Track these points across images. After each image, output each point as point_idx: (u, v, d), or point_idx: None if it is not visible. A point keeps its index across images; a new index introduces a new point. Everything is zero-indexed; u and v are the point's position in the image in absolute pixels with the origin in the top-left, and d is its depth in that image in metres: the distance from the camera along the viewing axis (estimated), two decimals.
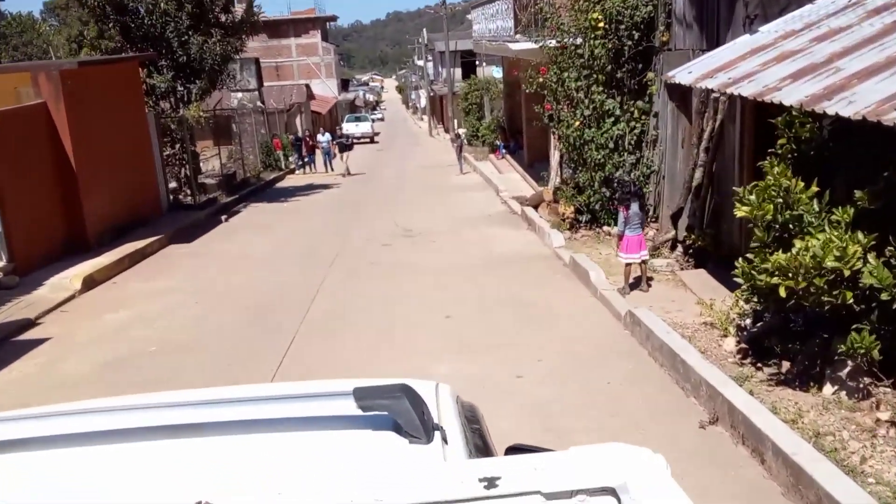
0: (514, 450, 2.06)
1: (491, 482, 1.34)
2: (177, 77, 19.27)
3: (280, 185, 25.99)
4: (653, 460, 1.43)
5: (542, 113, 13.43)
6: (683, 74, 8.32)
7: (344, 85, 68.84)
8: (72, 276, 11.48)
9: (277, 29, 56.46)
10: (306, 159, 29.72)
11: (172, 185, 19.90)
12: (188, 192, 20.20)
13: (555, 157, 17.46)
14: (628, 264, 8.91)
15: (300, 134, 31.83)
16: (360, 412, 1.77)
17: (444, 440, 1.82)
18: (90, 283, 11.56)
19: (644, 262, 8.98)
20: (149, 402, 2.18)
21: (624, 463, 1.40)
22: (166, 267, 12.98)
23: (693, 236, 9.90)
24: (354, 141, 50.42)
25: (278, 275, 11.86)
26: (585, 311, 8.82)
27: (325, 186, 24.21)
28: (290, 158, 30.10)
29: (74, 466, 1.76)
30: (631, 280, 9.05)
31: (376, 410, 1.78)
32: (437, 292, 10.12)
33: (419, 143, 45.78)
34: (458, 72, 50.30)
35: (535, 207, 15.03)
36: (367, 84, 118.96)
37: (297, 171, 29.33)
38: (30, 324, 9.78)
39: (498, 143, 25.68)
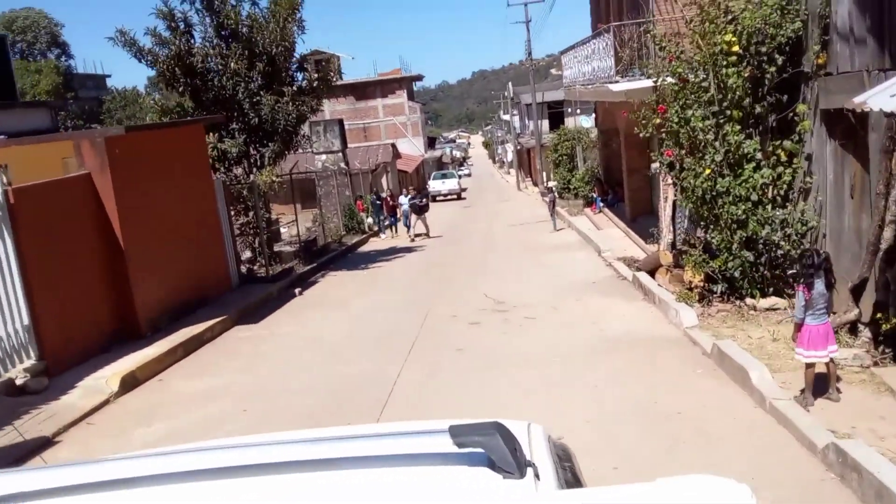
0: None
1: None
2: (249, 141, 17.94)
3: (362, 249, 24.31)
4: (739, 491, 1.40)
5: (660, 159, 11.04)
6: (884, 98, 5.85)
7: (430, 143, 68.06)
8: (109, 376, 9.72)
9: (364, 91, 56.26)
10: (387, 221, 27.77)
11: (247, 254, 18.45)
12: (263, 262, 18.70)
13: (665, 210, 14.98)
14: (811, 364, 6.34)
15: (381, 193, 29.91)
16: (455, 449, 1.82)
17: (537, 476, 1.84)
18: (130, 382, 9.76)
19: (832, 360, 6.40)
20: (252, 442, 2.28)
21: (710, 493, 1.40)
22: (222, 357, 11.12)
23: (888, 317, 7.24)
24: (437, 198, 49.95)
25: (347, 366, 9.79)
26: (754, 435, 6.21)
27: (409, 250, 22.34)
28: (370, 220, 28.38)
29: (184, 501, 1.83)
30: (813, 384, 6.46)
31: (471, 447, 1.82)
32: (538, 397, 7.76)
33: (507, 197, 43.78)
34: (546, 123, 48.37)
35: (651, 273, 12.54)
36: (454, 141, 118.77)
37: (380, 235, 27.46)
38: (46, 443, 7.96)
39: (593, 196, 23.30)
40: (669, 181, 15.27)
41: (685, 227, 15.16)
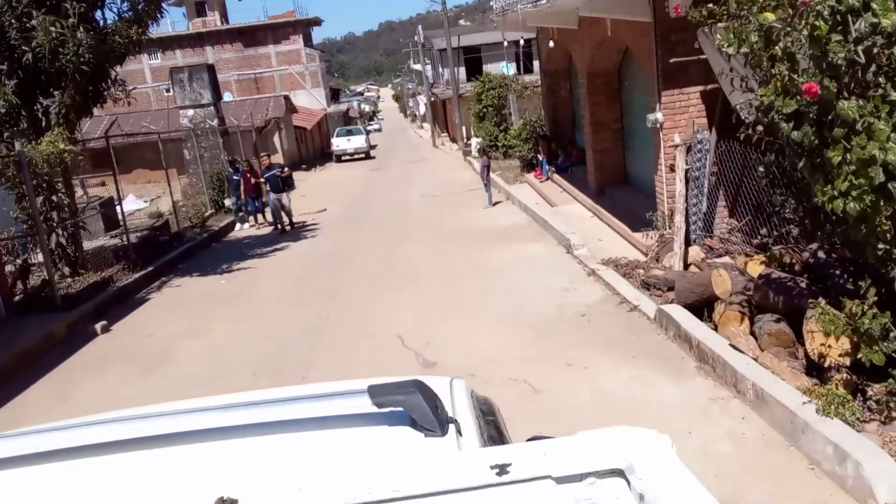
0: (533, 440, 1.68)
1: (502, 469, 1.32)
2: (23, 89, 11.25)
3: (233, 235, 17.89)
4: (659, 440, 1.40)
5: (754, 100, 5.20)
6: None
7: (334, 95, 60.79)
8: None
9: (253, 36, 48.48)
10: (251, 206, 18.59)
11: (39, 258, 11.90)
12: (68, 270, 12.20)
13: (675, 185, 9.51)
14: None
15: (238, 163, 18.96)
16: (375, 409, 1.76)
17: (459, 432, 1.80)
18: None
19: None
20: (166, 410, 2.18)
21: (631, 444, 1.38)
22: None
23: None
24: (342, 158, 42.47)
25: None
26: None
27: (295, 236, 16.14)
28: (228, 202, 19.69)
29: (90, 476, 1.75)
30: None
31: (391, 406, 1.76)
32: None
33: (423, 156, 37.67)
34: (462, 72, 42.28)
35: (698, 308, 6.94)
36: (362, 94, 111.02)
37: (240, 225, 18.46)
38: None
39: (539, 158, 17.56)
40: (678, 140, 9.68)
41: (702, 211, 9.67)
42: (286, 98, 37.59)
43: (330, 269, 12.33)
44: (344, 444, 1.78)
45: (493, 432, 2.02)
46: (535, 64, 45.21)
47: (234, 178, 18.34)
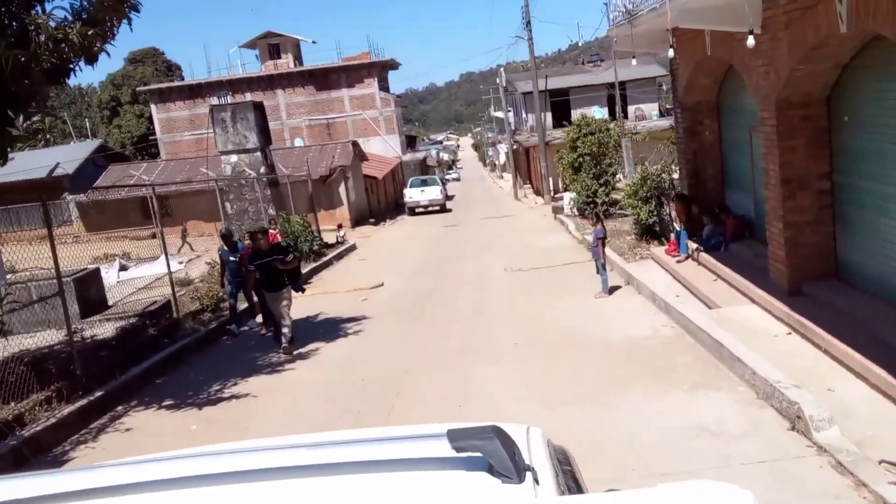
0: (612, 492, 1.73)
1: None
2: None
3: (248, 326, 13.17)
4: (740, 497, 1.35)
5: None
6: None
7: (410, 142, 56.91)
8: None
9: (326, 79, 45.10)
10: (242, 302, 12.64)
11: None
12: None
13: None
14: None
15: (233, 239, 12.48)
16: (453, 453, 1.72)
17: (536, 480, 1.77)
18: None
19: None
20: (244, 448, 2.14)
21: (713, 499, 1.33)
22: None
23: None
24: (416, 210, 35.19)
25: None
26: None
27: (329, 334, 11.29)
28: (224, 292, 12.75)
29: None
30: None
31: (469, 451, 1.72)
32: None
33: (504, 210, 32.76)
34: (549, 117, 37.45)
35: None
36: (441, 143, 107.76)
37: (234, 329, 12.10)
38: None
39: (676, 227, 12.26)
40: None
41: None
42: (355, 144, 33.51)
43: (357, 414, 7.39)
44: (422, 487, 1.74)
45: (571, 483, 1.97)
46: (633, 110, 39.96)
47: (231, 258, 11.77)
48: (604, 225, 11.62)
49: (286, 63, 45.88)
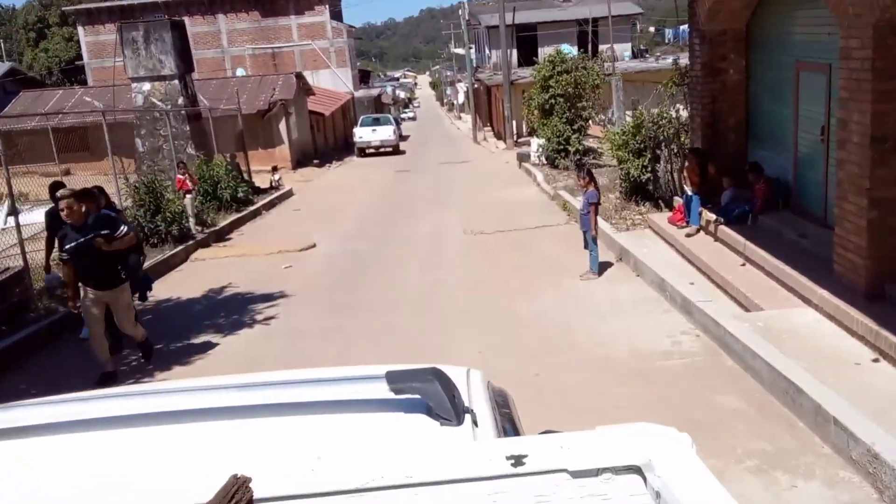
0: (547, 433, 1.62)
1: (518, 460, 1.27)
2: None
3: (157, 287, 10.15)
4: (678, 439, 1.33)
5: None
6: None
7: (364, 78, 52.96)
8: None
9: (274, 5, 40.79)
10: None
11: None
12: None
13: None
14: None
15: (58, 194, 6.78)
16: (391, 395, 1.69)
17: (475, 423, 1.74)
18: None
19: None
20: (181, 387, 2.13)
21: (649, 441, 1.31)
22: None
23: None
24: (366, 151, 31.26)
25: None
26: None
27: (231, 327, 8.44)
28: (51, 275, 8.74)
29: (103, 449, 1.71)
30: None
31: (408, 393, 1.69)
32: None
33: (463, 154, 29.79)
34: (514, 55, 34.20)
35: None
36: (398, 80, 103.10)
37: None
38: None
39: (686, 191, 9.48)
40: None
41: None
42: (299, 76, 29.83)
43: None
44: (359, 429, 1.72)
45: (508, 425, 1.95)
46: (605, 49, 36.95)
47: (62, 229, 6.75)
48: (597, 186, 8.81)
49: None
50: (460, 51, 57.50)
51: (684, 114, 11.40)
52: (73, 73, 46.05)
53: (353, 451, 1.58)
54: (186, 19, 40.66)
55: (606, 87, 20.19)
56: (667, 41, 29.11)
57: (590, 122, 20.52)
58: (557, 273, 9.21)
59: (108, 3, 43.93)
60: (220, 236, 13.92)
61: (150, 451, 1.68)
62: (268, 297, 9.32)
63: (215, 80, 29.51)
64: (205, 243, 13.10)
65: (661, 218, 10.17)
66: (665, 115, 11.49)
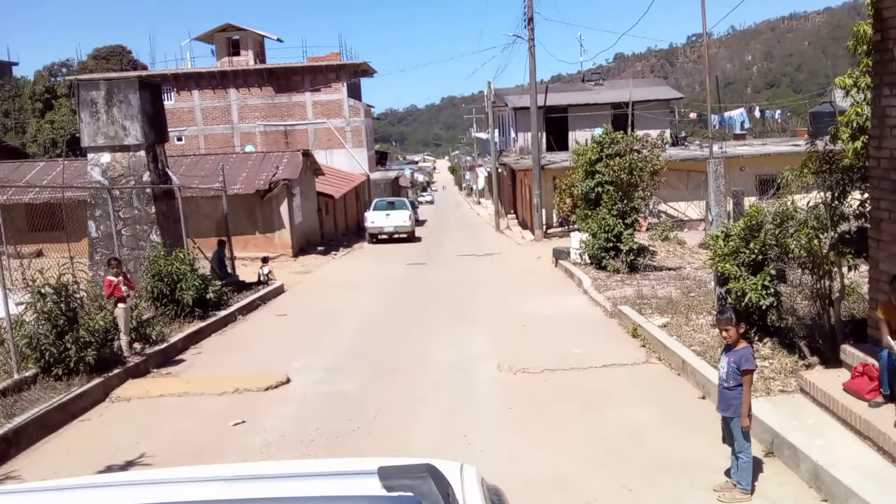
0: None
1: None
2: None
3: (53, 438, 6.36)
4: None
5: None
6: None
7: (381, 159, 50.35)
8: None
9: (287, 80, 38.47)
10: None
11: None
12: None
13: None
14: None
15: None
16: (384, 492, 1.66)
17: None
18: None
19: None
20: (174, 477, 2.07)
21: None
22: None
23: None
24: (378, 237, 27.97)
25: None
26: None
27: None
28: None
29: None
30: None
31: (401, 491, 1.66)
32: None
33: (485, 245, 26.24)
34: (543, 138, 31.13)
35: None
36: (417, 164, 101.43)
37: None
38: None
39: (890, 342, 5.68)
40: None
41: None
42: (307, 154, 26.70)
43: None
44: None
45: None
46: (640, 136, 33.89)
47: None
48: (749, 338, 5.03)
49: (245, 61, 39.15)
50: (482, 135, 55.03)
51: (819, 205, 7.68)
52: (77, 146, 43.73)
53: None
54: (196, 93, 38.37)
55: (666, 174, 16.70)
56: (711, 126, 25.86)
57: (643, 215, 16.96)
58: (666, 469, 5.32)
59: (111, 75, 41.88)
60: (167, 358, 10.17)
61: None
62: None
63: (212, 155, 26.51)
64: (139, 371, 9.33)
65: (827, 379, 6.29)
66: (799, 211, 7.77)
